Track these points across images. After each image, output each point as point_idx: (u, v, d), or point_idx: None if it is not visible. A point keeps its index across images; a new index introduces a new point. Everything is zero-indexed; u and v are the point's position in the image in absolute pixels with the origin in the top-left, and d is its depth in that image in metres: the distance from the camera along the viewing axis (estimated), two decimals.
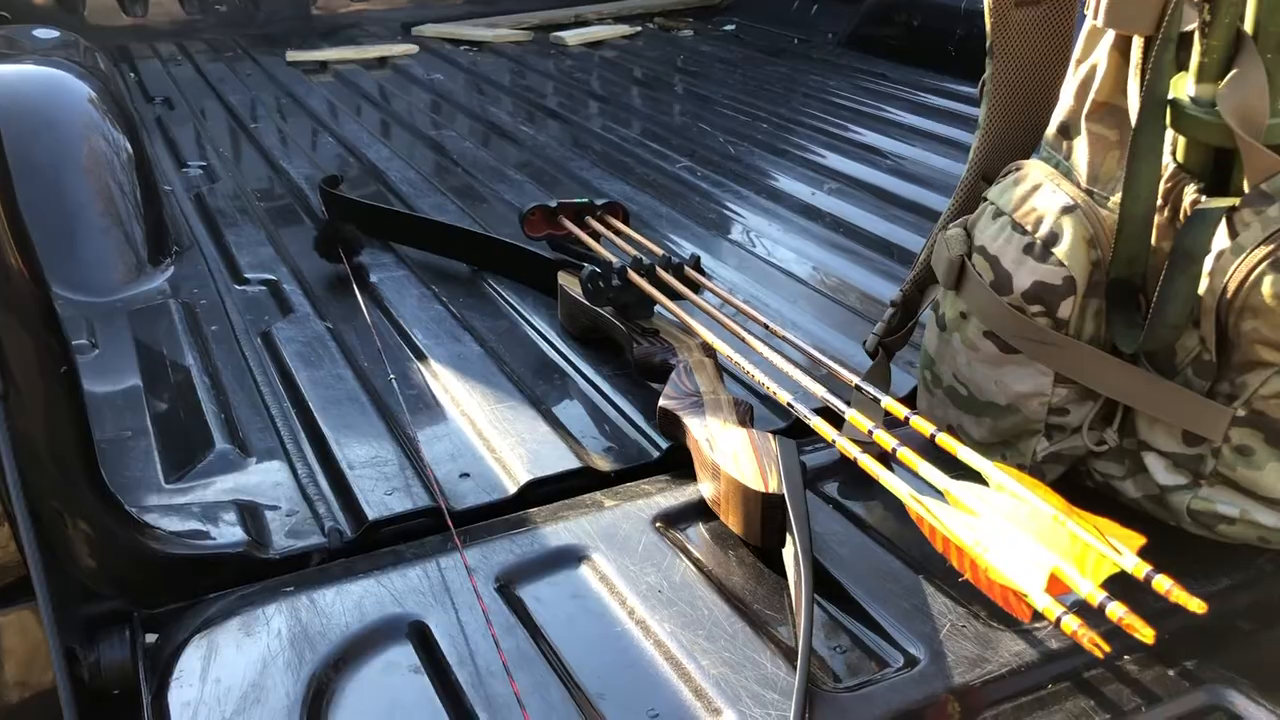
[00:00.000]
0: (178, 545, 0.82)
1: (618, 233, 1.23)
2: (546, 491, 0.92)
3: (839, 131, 1.97)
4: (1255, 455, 0.74)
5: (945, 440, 0.73)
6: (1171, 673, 0.69)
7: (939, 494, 0.69)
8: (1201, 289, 0.73)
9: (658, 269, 1.08)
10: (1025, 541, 0.61)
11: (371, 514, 0.87)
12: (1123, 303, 0.77)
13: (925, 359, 0.93)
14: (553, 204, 1.28)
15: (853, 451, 0.75)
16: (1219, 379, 0.74)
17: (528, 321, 1.23)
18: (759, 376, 0.89)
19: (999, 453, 0.86)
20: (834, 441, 0.78)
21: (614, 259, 1.10)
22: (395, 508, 0.89)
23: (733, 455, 0.84)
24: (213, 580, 0.80)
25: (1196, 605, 0.57)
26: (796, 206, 1.61)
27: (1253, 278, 0.69)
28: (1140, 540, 0.62)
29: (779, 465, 0.82)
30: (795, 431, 0.92)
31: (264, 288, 1.33)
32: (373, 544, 0.85)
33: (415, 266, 1.38)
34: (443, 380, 1.09)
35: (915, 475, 0.71)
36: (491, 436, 0.99)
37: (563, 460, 0.95)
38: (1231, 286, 0.70)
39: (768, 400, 1.03)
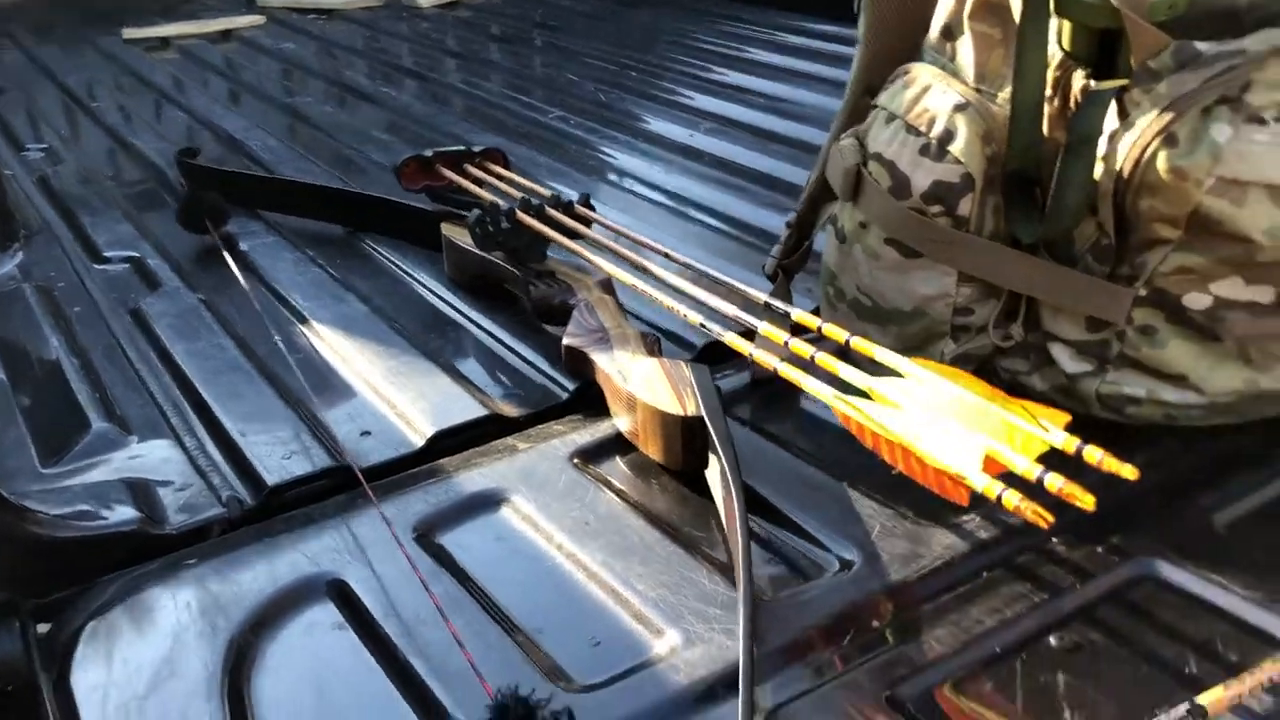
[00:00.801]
0: (63, 528, 0.76)
1: (500, 178, 1.19)
2: (455, 442, 0.88)
3: (707, 75, 1.96)
4: (1158, 334, 0.76)
5: (860, 344, 0.73)
6: (1100, 550, 0.70)
7: (862, 394, 0.68)
8: (1097, 174, 0.73)
9: (547, 208, 1.05)
10: (955, 428, 0.61)
11: (271, 479, 0.83)
12: (1020, 195, 0.78)
13: (826, 275, 0.93)
14: (428, 154, 1.23)
15: (772, 362, 0.74)
16: (1119, 262, 0.75)
17: (412, 277, 1.19)
18: (668, 302, 0.87)
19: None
20: (751, 355, 0.77)
21: (501, 202, 1.07)
22: (296, 471, 0.84)
23: (646, 384, 0.82)
24: (106, 562, 0.74)
25: (1129, 471, 0.57)
26: (675, 148, 1.59)
27: (1147, 155, 0.70)
28: (1066, 418, 0.63)
29: (694, 389, 0.81)
30: (704, 361, 0.91)
31: (127, 265, 1.25)
32: (276, 510, 0.81)
33: (287, 232, 1.32)
34: (330, 342, 1.04)
35: (836, 379, 0.70)
36: (389, 393, 0.95)
37: (468, 410, 0.92)
38: (1127, 167, 0.71)
39: (673, 336, 1.02)
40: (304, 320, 1.09)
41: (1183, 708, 0.50)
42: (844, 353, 0.74)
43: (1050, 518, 0.55)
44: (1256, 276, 0.72)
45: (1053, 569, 0.68)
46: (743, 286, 0.86)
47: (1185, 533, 0.71)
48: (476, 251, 1.08)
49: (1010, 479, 0.59)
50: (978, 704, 0.60)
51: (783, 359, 0.75)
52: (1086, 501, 0.55)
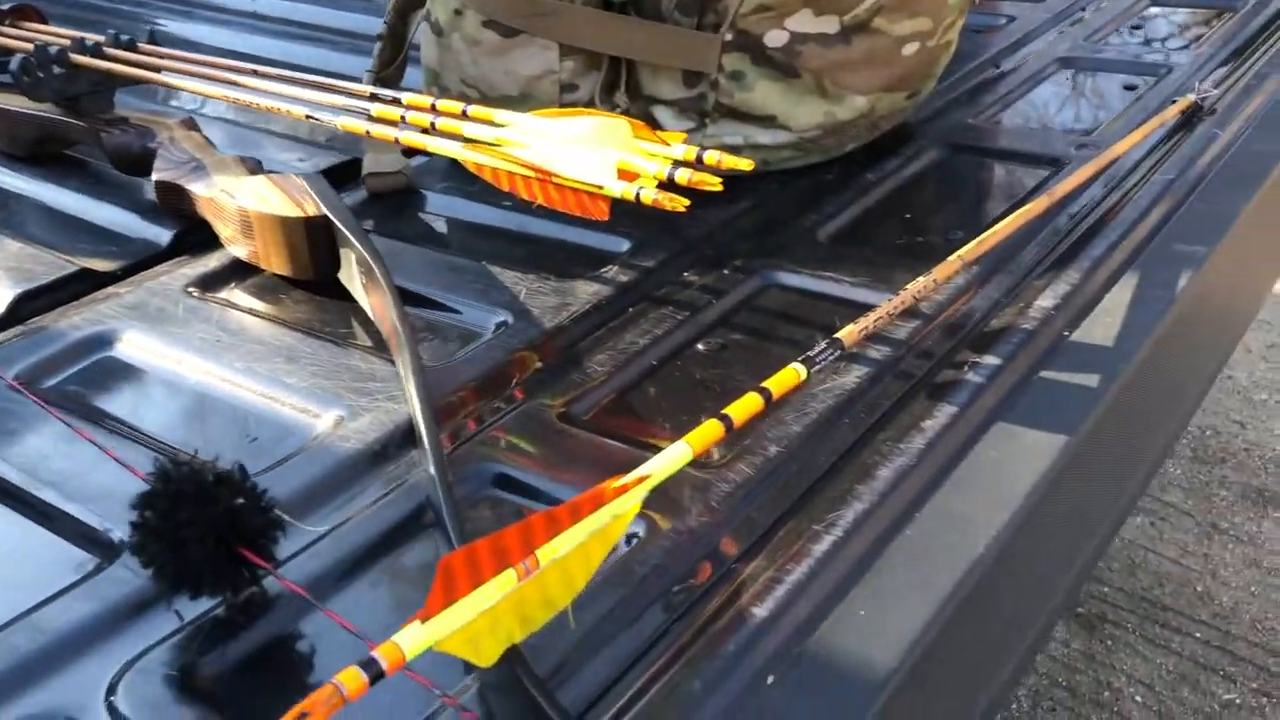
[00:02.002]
0: None
1: (42, 34, 1.06)
2: (45, 303, 0.79)
3: None
4: (746, 78, 0.81)
5: (478, 110, 0.72)
6: (727, 272, 0.74)
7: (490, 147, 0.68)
8: None
9: (106, 49, 0.95)
10: (585, 150, 0.62)
11: None
12: None
13: (429, 76, 0.91)
14: None
15: (392, 134, 0.71)
16: (703, 11, 0.79)
17: None
18: (283, 108, 0.81)
19: None
20: (368, 133, 0.74)
21: (50, 45, 0.95)
22: None
23: (257, 197, 0.77)
24: None
25: (745, 164, 0.61)
26: (241, 21, 1.48)
27: None
28: (681, 135, 0.66)
29: (312, 195, 0.77)
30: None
31: None
32: None
33: None
34: None
35: (461, 138, 0.69)
36: None
37: (55, 269, 0.82)
38: None
39: (277, 166, 0.96)
40: None
41: (822, 342, 0.54)
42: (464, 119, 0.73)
43: (686, 201, 0.58)
44: (823, 7, 0.78)
45: (690, 294, 0.72)
46: (348, 84, 0.82)
47: (795, 247, 0.77)
48: (30, 111, 0.95)
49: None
50: (642, 408, 0.62)
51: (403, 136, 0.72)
52: (715, 184, 0.58)
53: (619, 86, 0.84)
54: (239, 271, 0.79)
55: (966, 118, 0.97)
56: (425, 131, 0.71)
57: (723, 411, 0.49)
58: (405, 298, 0.74)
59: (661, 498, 0.51)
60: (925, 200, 0.85)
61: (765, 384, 0.51)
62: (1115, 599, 1.70)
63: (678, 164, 0.59)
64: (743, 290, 0.73)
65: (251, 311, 0.74)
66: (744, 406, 0.50)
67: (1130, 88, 1.02)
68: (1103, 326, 0.65)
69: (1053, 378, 0.61)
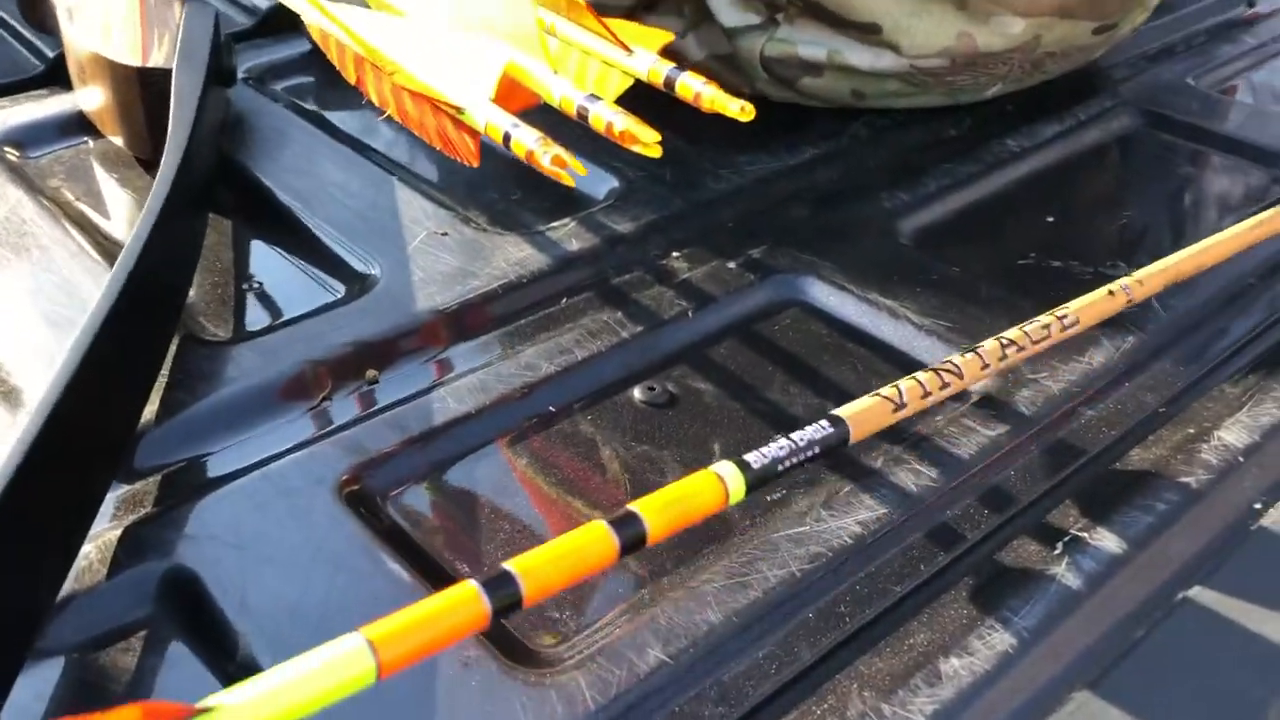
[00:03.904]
0: None
1: None
2: None
3: None
4: None
5: None
6: (733, 265, 0.48)
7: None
8: None
9: None
10: (479, 39, 0.36)
11: None
12: None
13: None
14: None
15: None
16: None
17: None
18: None
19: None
20: None
21: None
22: None
23: (103, 28, 0.53)
24: None
25: (740, 109, 0.34)
26: None
27: None
28: (665, 37, 0.39)
29: (176, 33, 0.53)
30: None
31: None
32: None
33: None
34: None
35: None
36: None
37: None
38: None
39: None
40: None
41: (803, 438, 0.28)
42: None
43: (581, 170, 0.31)
44: None
45: (661, 295, 0.46)
46: None
47: (855, 245, 0.49)
48: None
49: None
50: (479, 501, 0.37)
51: None
52: (649, 142, 0.31)
53: None
54: (74, 129, 0.56)
55: (1186, 75, 0.65)
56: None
57: (503, 569, 0.24)
58: (269, 212, 0.50)
59: None
60: (1088, 198, 0.56)
61: (637, 506, 0.26)
62: None
63: (594, 97, 0.33)
64: (744, 303, 0.46)
65: (56, 200, 0.51)
66: (547, 559, 0.24)
67: None
68: None
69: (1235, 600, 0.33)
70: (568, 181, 0.32)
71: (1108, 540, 0.35)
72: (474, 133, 0.36)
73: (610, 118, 0.33)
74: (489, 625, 0.23)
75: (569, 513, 0.36)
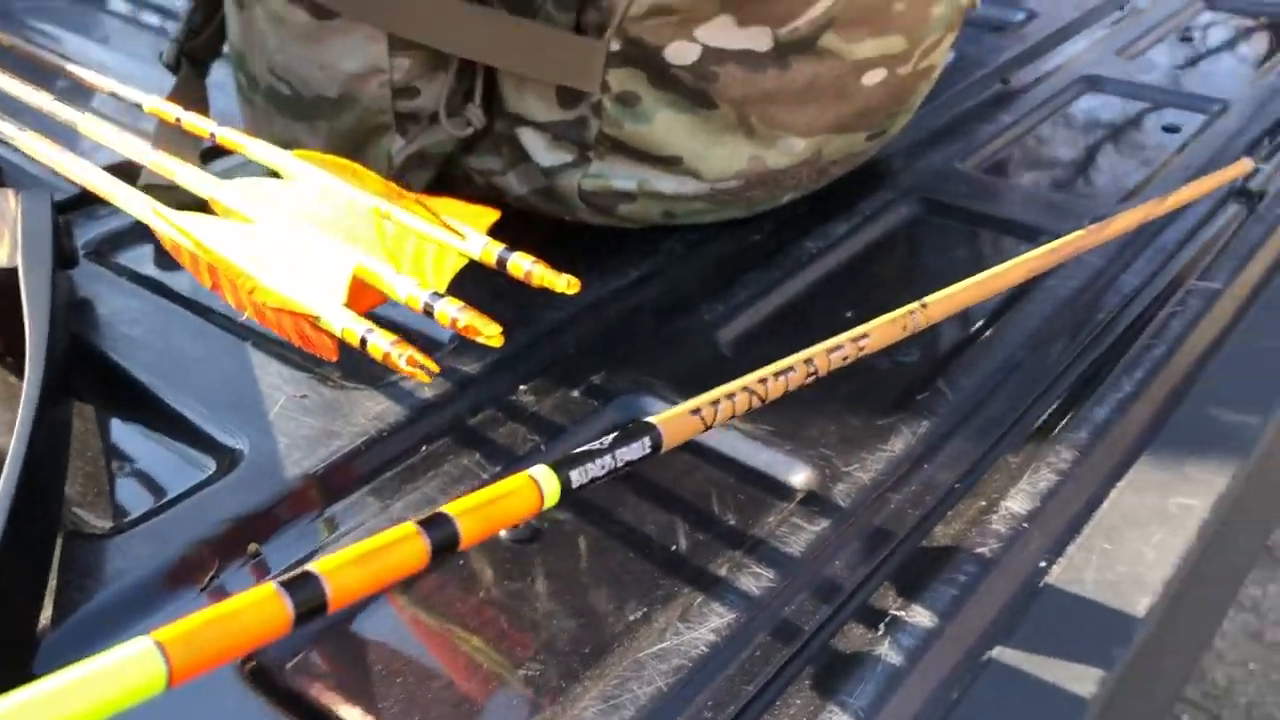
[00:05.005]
0: None
1: None
2: None
3: None
4: (642, 103, 0.58)
5: (226, 138, 0.49)
6: (576, 393, 0.52)
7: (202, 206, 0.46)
8: None
9: None
10: (326, 243, 0.40)
11: None
12: None
13: (235, 57, 0.68)
14: None
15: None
16: (584, 7, 0.56)
17: None
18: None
19: None
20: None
21: None
22: None
23: None
24: None
25: (566, 284, 0.39)
26: None
27: None
28: (492, 216, 0.44)
29: (17, 227, 0.54)
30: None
31: None
32: None
33: None
34: None
35: (173, 188, 0.47)
36: None
37: None
38: None
39: None
40: None
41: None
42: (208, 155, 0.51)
43: (434, 368, 0.36)
44: (749, 15, 0.55)
45: (513, 432, 0.50)
46: (120, 87, 0.59)
47: (684, 357, 0.55)
48: None
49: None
50: (445, 590, 0.41)
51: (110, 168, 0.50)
52: (492, 335, 0.36)
53: (474, 97, 0.61)
54: None
55: (954, 160, 0.73)
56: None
57: None
58: (126, 390, 0.53)
59: None
60: (880, 288, 0.63)
61: (449, 508, 0.29)
62: None
63: (437, 294, 0.37)
64: (591, 429, 0.51)
65: None
66: None
67: (1172, 129, 0.79)
68: (1105, 559, 0.43)
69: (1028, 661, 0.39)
70: (424, 379, 0.37)
71: (921, 616, 0.40)
72: (331, 333, 0.40)
73: (454, 314, 0.37)
74: (291, 628, 0.23)
75: (462, 654, 0.40)
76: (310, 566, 0.24)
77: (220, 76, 0.73)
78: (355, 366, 0.54)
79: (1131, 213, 0.56)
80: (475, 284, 0.47)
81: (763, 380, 0.38)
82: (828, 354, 0.40)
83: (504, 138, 0.63)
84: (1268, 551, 1.73)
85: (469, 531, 0.27)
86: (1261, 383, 0.52)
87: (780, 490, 0.47)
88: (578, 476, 0.31)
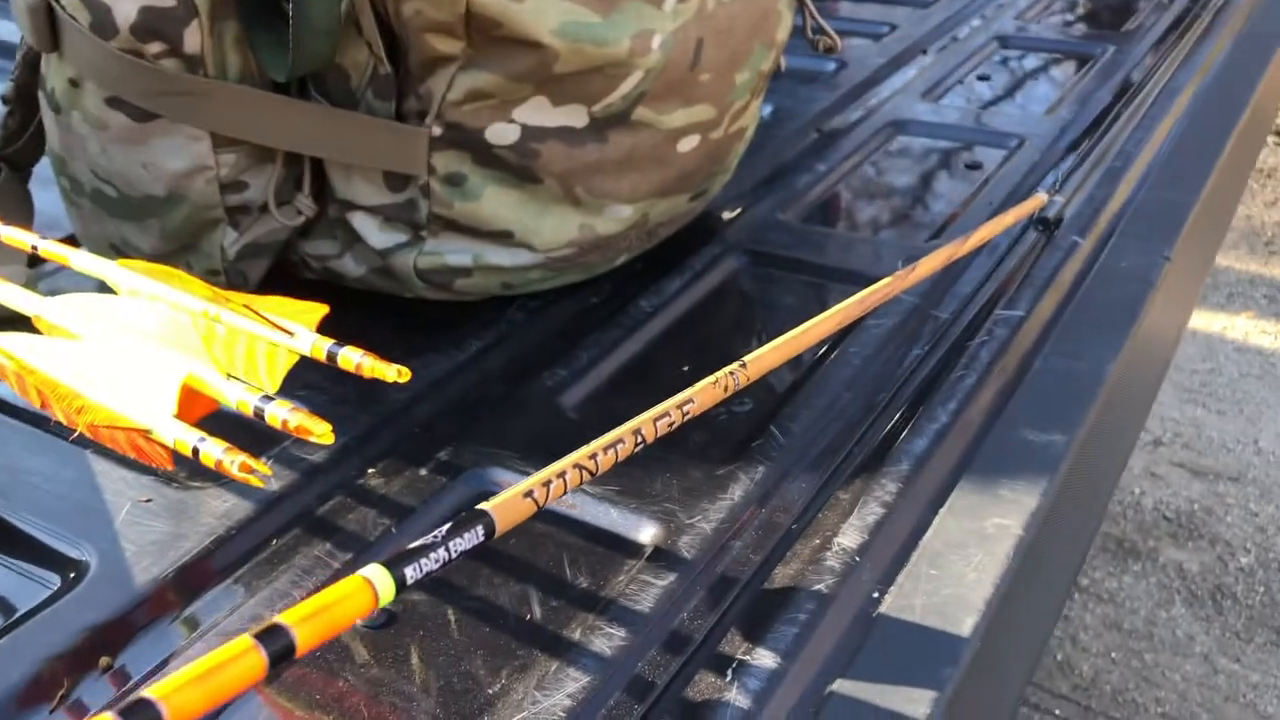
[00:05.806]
0: None
1: None
2: None
3: None
4: (469, 182, 0.60)
5: (50, 250, 0.49)
6: (424, 471, 0.53)
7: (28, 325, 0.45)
8: None
9: None
10: (154, 353, 0.40)
11: None
12: (263, 17, 0.57)
13: (56, 162, 0.67)
14: None
15: None
16: (403, 95, 0.58)
17: None
18: None
19: (183, 261, 0.64)
20: None
21: None
22: None
23: None
24: None
25: (396, 373, 0.40)
26: None
27: None
28: (321, 311, 0.45)
29: None
30: None
31: None
32: None
33: None
34: None
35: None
36: None
37: None
38: None
39: None
40: None
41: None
42: (34, 262, 0.51)
43: (267, 471, 0.37)
44: (563, 94, 0.58)
45: (362, 513, 0.51)
46: None
47: (529, 427, 0.57)
48: None
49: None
50: (307, 683, 0.41)
51: None
52: (322, 434, 0.37)
53: (302, 186, 0.62)
54: None
55: (776, 211, 0.77)
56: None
57: None
58: None
59: None
60: (714, 340, 0.66)
61: (283, 617, 0.30)
62: None
63: (267, 397, 0.38)
64: (441, 507, 0.52)
65: None
66: None
67: (974, 166, 0.85)
68: (932, 583, 0.46)
69: None
70: (257, 484, 0.37)
71: (765, 658, 0.43)
72: (164, 445, 0.40)
73: (284, 416, 0.38)
74: None
75: None
76: (146, 693, 0.25)
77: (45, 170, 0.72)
78: (199, 465, 0.54)
79: (936, 254, 0.60)
80: (316, 367, 0.48)
81: (592, 455, 0.40)
82: (654, 422, 0.42)
83: (337, 222, 0.64)
84: (1118, 544, 1.83)
85: (306, 638, 0.28)
86: (1065, 403, 0.57)
87: (628, 548, 0.49)
88: (412, 573, 0.32)
